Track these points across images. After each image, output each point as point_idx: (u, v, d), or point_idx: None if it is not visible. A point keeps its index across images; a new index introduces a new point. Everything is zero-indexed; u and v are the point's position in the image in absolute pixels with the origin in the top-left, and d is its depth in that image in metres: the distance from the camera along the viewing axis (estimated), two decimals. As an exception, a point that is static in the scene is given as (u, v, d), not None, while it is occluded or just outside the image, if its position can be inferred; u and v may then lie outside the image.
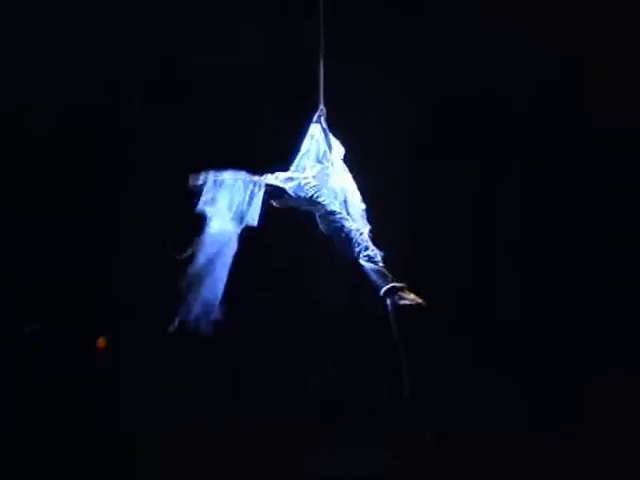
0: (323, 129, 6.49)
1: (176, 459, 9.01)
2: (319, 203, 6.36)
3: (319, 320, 9.71)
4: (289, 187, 6.34)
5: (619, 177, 9.80)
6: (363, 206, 6.43)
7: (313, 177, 6.39)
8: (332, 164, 6.45)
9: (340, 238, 6.17)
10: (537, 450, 8.91)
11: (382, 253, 6.16)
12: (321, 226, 6.35)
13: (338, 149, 6.56)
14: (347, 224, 6.21)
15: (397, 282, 6.01)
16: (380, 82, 9.42)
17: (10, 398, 9.14)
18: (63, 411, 9.19)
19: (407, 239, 9.81)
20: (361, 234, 6.19)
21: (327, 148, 6.46)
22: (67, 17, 9.68)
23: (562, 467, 8.80)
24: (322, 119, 6.51)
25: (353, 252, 6.14)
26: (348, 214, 6.31)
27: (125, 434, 9.16)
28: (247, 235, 9.85)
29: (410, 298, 5.93)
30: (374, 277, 6.04)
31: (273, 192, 6.37)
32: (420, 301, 5.94)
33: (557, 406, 9.26)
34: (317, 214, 6.39)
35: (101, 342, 9.61)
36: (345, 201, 6.38)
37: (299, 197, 6.36)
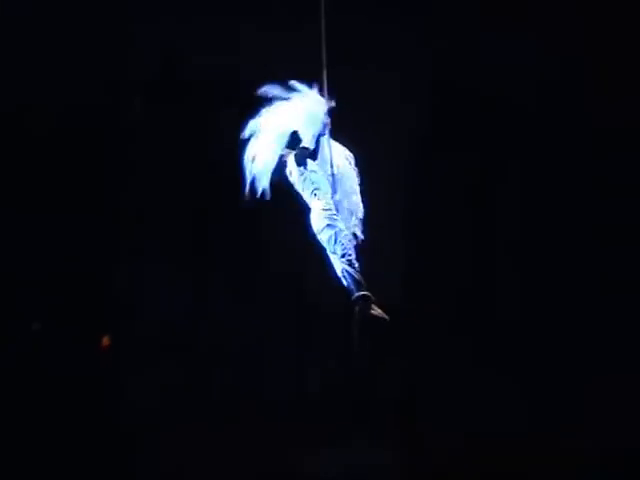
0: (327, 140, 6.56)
1: (176, 459, 9.01)
2: (318, 197, 6.41)
3: (319, 319, 9.71)
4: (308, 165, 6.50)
5: (619, 177, 9.81)
6: (360, 214, 6.50)
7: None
8: (338, 171, 6.54)
9: (328, 236, 6.25)
10: (537, 450, 8.92)
11: (359, 265, 6.28)
12: (313, 223, 6.41)
13: (344, 153, 6.63)
14: (337, 224, 6.29)
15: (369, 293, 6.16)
16: (380, 83, 9.42)
17: (11, 397, 9.16)
18: (63, 411, 9.20)
19: (407, 239, 9.83)
20: (349, 240, 6.28)
21: (332, 159, 6.54)
22: (67, 17, 9.69)
23: (562, 467, 8.82)
24: (327, 129, 6.58)
25: (335, 252, 6.24)
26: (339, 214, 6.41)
27: (125, 434, 9.16)
28: (247, 235, 9.93)
29: (378, 312, 6.08)
30: (349, 281, 6.17)
31: (304, 153, 6.47)
32: (386, 317, 6.09)
33: (557, 406, 9.26)
34: (312, 208, 6.45)
35: (105, 341, 9.63)
36: (343, 206, 6.45)
37: (310, 181, 6.45)
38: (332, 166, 6.45)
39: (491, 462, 8.76)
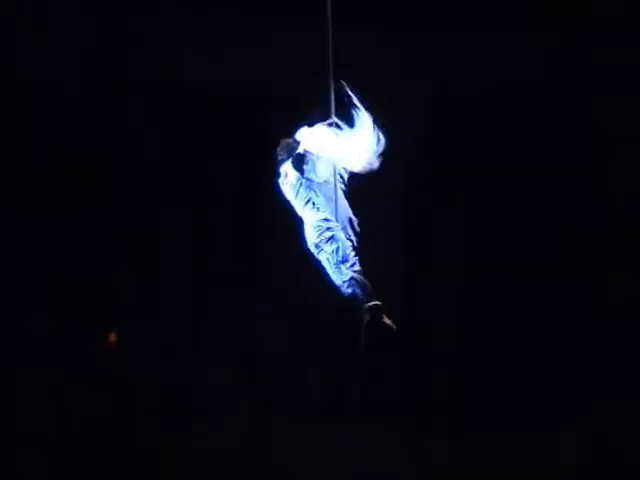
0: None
1: (176, 459, 9.02)
2: (317, 208, 6.33)
3: (320, 319, 9.71)
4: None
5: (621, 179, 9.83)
6: (355, 229, 6.47)
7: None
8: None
9: (333, 249, 6.22)
10: (535, 451, 8.93)
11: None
12: (310, 236, 6.35)
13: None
14: (340, 235, 6.26)
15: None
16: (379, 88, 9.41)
17: (14, 395, 9.19)
18: (64, 409, 9.22)
19: (405, 242, 9.85)
20: (352, 250, 6.27)
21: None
22: (67, 17, 9.71)
23: (562, 467, 8.83)
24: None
25: (343, 262, 6.22)
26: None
27: (125, 433, 9.17)
28: (247, 237, 9.95)
29: (388, 321, 6.16)
30: (357, 289, 6.19)
31: (301, 158, 6.38)
32: (394, 327, 6.17)
33: (557, 406, 9.27)
34: (307, 220, 6.37)
35: (112, 338, 9.65)
36: (340, 218, 6.40)
37: (306, 189, 6.37)
38: (335, 181, 6.41)
39: (490, 463, 8.78)
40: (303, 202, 6.38)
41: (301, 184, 6.40)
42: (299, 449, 8.99)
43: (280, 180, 6.52)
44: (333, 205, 6.38)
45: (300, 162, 6.41)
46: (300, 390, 9.70)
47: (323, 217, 6.31)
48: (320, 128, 6.40)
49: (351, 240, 6.37)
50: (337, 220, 6.34)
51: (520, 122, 9.75)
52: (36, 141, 9.79)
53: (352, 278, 6.17)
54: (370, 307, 6.14)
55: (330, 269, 6.25)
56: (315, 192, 6.37)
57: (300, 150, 6.44)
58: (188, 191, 9.95)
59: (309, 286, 9.70)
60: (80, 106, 9.76)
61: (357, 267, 6.22)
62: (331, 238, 6.24)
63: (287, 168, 6.47)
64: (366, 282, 6.18)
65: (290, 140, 6.56)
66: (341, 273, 6.21)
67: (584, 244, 9.69)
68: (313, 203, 6.34)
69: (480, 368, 9.37)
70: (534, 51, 9.68)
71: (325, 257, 6.26)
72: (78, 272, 9.74)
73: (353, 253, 6.28)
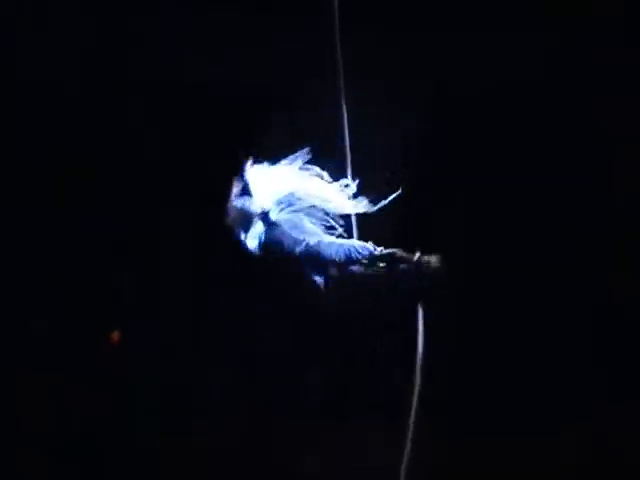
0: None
1: (176, 459, 9.02)
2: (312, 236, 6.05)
3: (320, 319, 9.70)
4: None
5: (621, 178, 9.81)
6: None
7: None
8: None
9: (346, 254, 5.96)
10: (535, 451, 8.93)
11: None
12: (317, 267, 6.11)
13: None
14: (342, 241, 6.03)
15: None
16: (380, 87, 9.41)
17: (14, 395, 9.19)
18: (64, 409, 9.22)
19: (407, 241, 9.81)
20: (358, 240, 6.06)
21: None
22: (67, 17, 9.71)
23: (562, 467, 8.83)
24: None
25: (368, 256, 5.99)
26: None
27: (125, 433, 9.17)
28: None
29: (434, 259, 5.88)
30: (396, 261, 5.90)
31: (267, 215, 5.96)
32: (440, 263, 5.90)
33: (557, 406, 9.27)
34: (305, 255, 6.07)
35: (115, 336, 9.66)
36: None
37: (291, 230, 6.03)
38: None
39: (490, 463, 8.78)
40: (303, 246, 6.00)
41: (283, 234, 6.00)
42: (299, 449, 8.99)
43: (254, 248, 6.10)
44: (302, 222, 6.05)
45: (269, 218, 5.99)
46: (300, 390, 9.69)
47: (315, 241, 5.97)
48: (287, 171, 6.08)
49: (342, 235, 6.11)
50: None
51: (520, 122, 9.72)
52: (36, 141, 9.79)
53: (386, 263, 5.89)
54: (417, 262, 5.86)
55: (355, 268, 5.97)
56: (296, 225, 6.01)
57: (263, 207, 6.00)
58: (188, 191, 9.94)
59: (309, 286, 9.71)
60: (80, 106, 9.75)
61: (378, 249, 5.95)
62: (342, 248, 5.93)
63: (258, 233, 6.04)
64: (392, 250, 5.91)
65: (237, 206, 6.08)
66: (370, 267, 5.93)
67: (584, 244, 9.67)
68: (306, 232, 6.02)
69: (480, 368, 9.36)
70: (534, 51, 9.66)
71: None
72: (78, 272, 9.74)
73: (363, 243, 6.01)
